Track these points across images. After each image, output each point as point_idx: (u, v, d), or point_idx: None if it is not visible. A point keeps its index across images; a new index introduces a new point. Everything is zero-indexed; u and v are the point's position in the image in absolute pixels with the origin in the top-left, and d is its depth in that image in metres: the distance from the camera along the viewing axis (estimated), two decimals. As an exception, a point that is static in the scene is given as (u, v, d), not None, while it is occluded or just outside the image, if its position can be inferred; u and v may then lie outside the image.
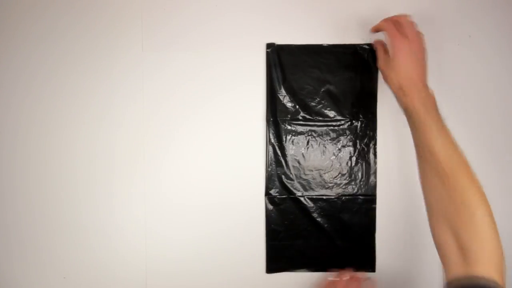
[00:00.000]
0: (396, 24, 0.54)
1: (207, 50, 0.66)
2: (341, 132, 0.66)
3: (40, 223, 0.68)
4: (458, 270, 0.42)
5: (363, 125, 0.65)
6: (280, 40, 0.66)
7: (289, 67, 0.65)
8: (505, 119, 0.66)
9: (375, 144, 0.66)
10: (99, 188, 0.67)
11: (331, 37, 0.66)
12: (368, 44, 0.65)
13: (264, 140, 0.66)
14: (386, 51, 0.58)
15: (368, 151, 0.65)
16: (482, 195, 0.46)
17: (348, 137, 0.66)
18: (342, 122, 0.65)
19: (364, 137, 0.65)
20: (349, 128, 0.65)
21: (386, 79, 0.55)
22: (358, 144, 0.65)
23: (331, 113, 0.65)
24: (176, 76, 0.66)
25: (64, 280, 0.68)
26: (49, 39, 0.66)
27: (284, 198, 0.65)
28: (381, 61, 0.58)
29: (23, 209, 0.67)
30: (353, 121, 0.65)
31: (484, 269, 0.41)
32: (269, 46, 0.65)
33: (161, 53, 0.66)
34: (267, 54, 0.66)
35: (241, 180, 0.66)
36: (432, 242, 0.50)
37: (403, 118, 0.55)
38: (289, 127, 0.65)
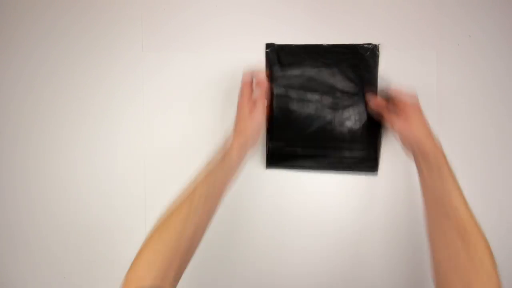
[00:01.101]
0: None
1: (207, 50, 0.66)
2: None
3: (40, 223, 0.68)
4: None
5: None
6: (280, 40, 0.66)
7: (288, 67, 0.65)
8: (505, 119, 0.66)
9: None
10: (99, 188, 0.67)
11: (331, 37, 0.66)
12: (369, 44, 0.65)
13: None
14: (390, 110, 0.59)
15: None
16: (493, 255, 0.47)
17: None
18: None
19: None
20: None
21: (407, 133, 0.55)
22: None
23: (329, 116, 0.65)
24: (176, 76, 0.66)
25: (64, 280, 0.68)
26: (49, 39, 0.66)
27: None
28: (399, 121, 0.56)
29: (23, 209, 0.68)
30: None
31: None
32: (269, 46, 0.66)
33: (161, 53, 0.66)
34: (267, 54, 0.66)
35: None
36: None
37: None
38: None
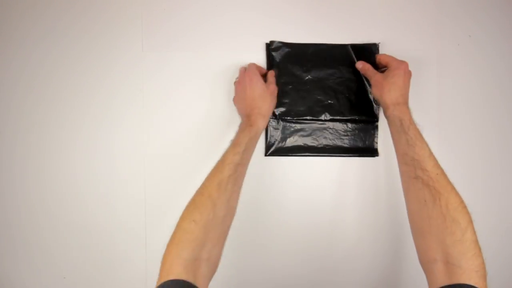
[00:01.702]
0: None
1: (207, 50, 0.66)
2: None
3: (40, 223, 0.68)
4: (446, 282, 0.43)
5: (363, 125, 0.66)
6: (279, 39, 0.66)
7: (288, 65, 0.65)
8: (505, 119, 0.66)
9: None
10: (99, 188, 0.67)
11: (332, 37, 0.66)
12: (367, 44, 0.65)
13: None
14: (375, 70, 0.62)
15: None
16: (469, 214, 0.47)
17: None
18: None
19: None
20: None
21: (381, 92, 0.58)
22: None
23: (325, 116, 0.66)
24: (176, 76, 0.66)
25: (64, 280, 0.68)
26: (49, 39, 0.66)
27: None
28: (377, 76, 0.60)
29: (24, 209, 0.67)
30: (352, 123, 0.66)
31: (472, 281, 0.42)
32: (269, 44, 0.66)
33: (161, 53, 0.66)
34: (267, 52, 0.66)
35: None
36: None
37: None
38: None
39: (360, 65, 0.63)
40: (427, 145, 0.53)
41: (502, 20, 0.66)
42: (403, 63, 0.58)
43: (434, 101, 0.66)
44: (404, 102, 0.57)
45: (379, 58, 0.63)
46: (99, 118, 0.67)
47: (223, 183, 0.51)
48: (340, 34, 0.66)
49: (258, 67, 0.63)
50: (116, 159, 0.67)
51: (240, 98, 0.61)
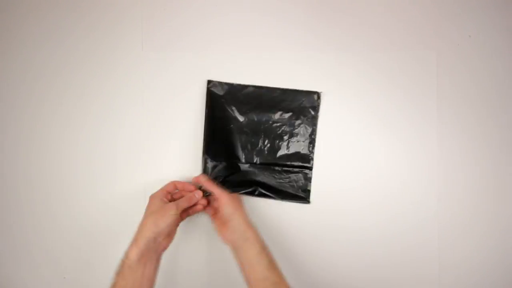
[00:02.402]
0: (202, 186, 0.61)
1: (207, 50, 0.66)
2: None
3: (41, 223, 0.68)
4: None
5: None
6: (279, 41, 0.66)
7: (225, 105, 0.66)
8: (505, 119, 0.66)
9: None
10: (100, 188, 0.67)
11: (332, 37, 0.66)
12: (309, 91, 0.65)
13: None
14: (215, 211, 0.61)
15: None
16: None
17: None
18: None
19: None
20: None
21: (225, 229, 0.58)
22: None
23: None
24: (176, 76, 0.66)
25: (64, 280, 0.68)
26: (50, 40, 0.66)
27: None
28: (217, 220, 0.60)
29: (24, 209, 0.67)
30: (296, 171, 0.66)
31: None
32: (208, 83, 0.65)
33: (161, 53, 0.66)
34: (207, 91, 0.66)
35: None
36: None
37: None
38: None
39: (203, 178, 0.62)
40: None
41: (502, 21, 0.66)
42: (223, 194, 0.58)
43: (434, 101, 0.66)
44: (252, 230, 0.57)
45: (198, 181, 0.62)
46: (99, 118, 0.67)
47: None
48: (340, 34, 0.66)
49: (172, 185, 0.62)
50: (116, 159, 0.67)
51: None
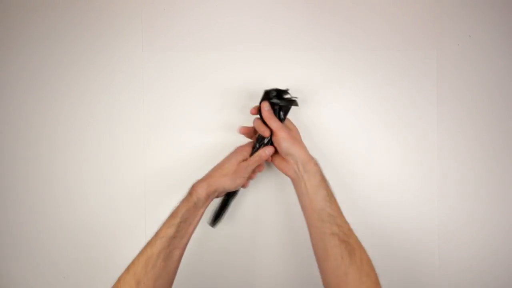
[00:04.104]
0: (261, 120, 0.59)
1: (207, 50, 0.66)
2: None
3: (40, 223, 0.68)
4: None
5: None
6: (279, 42, 0.66)
7: None
8: (505, 119, 0.66)
9: None
10: (100, 188, 0.67)
11: (332, 37, 0.66)
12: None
13: None
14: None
15: None
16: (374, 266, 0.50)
17: None
18: None
19: None
20: None
21: (294, 145, 0.56)
22: None
23: None
24: (176, 76, 0.66)
25: (64, 280, 0.68)
26: (49, 39, 0.66)
27: None
28: (277, 155, 0.59)
29: (24, 209, 0.67)
30: None
31: None
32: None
33: (161, 53, 0.66)
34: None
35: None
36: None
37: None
38: None
39: (266, 107, 0.58)
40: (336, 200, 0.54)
41: (502, 20, 0.66)
42: (281, 129, 0.56)
43: (434, 101, 0.66)
44: (312, 162, 0.56)
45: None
46: (99, 118, 0.67)
47: (152, 260, 0.50)
48: (340, 35, 0.66)
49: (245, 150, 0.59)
50: (116, 159, 0.67)
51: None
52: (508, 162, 0.66)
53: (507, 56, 0.66)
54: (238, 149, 0.59)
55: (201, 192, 0.53)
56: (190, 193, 0.54)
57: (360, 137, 0.66)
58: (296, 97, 0.59)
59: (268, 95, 0.58)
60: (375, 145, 0.66)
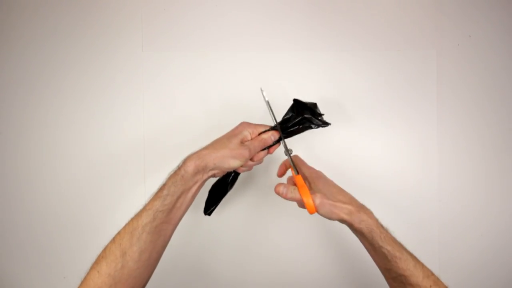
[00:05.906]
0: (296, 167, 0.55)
1: (207, 50, 0.66)
2: None
3: (40, 223, 0.68)
4: None
5: None
6: (279, 42, 0.66)
7: None
8: (505, 119, 0.66)
9: None
10: (100, 188, 0.67)
11: (332, 37, 0.66)
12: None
13: None
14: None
15: None
16: None
17: None
18: None
19: None
20: None
21: (333, 210, 0.50)
22: None
23: None
24: (176, 76, 0.66)
25: (64, 280, 0.68)
26: (49, 39, 0.66)
27: None
28: (318, 198, 0.50)
29: (24, 209, 0.67)
30: None
31: None
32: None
33: (161, 53, 0.66)
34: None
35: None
36: None
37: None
38: None
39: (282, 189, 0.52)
40: (408, 252, 0.48)
41: (502, 20, 0.66)
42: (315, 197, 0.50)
43: (434, 101, 0.66)
44: (358, 204, 0.50)
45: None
46: (99, 118, 0.67)
47: (137, 232, 0.48)
48: (340, 35, 0.66)
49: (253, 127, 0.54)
50: (116, 159, 0.67)
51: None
52: (508, 162, 0.66)
53: (506, 56, 0.66)
54: (242, 126, 0.54)
55: (190, 164, 0.49)
56: (179, 165, 0.51)
57: (360, 137, 0.66)
58: (326, 123, 0.55)
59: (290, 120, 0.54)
60: (375, 145, 0.66)
